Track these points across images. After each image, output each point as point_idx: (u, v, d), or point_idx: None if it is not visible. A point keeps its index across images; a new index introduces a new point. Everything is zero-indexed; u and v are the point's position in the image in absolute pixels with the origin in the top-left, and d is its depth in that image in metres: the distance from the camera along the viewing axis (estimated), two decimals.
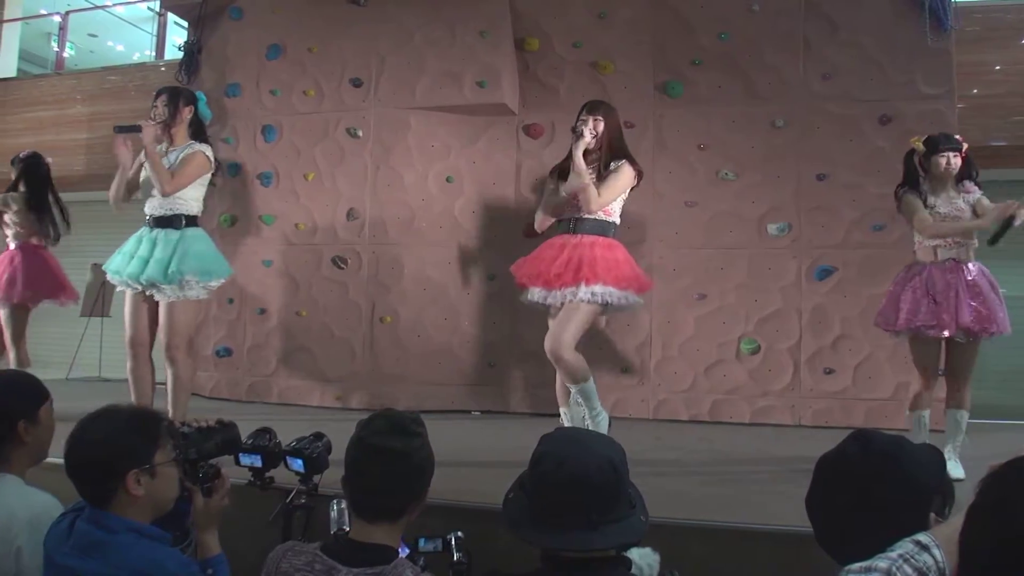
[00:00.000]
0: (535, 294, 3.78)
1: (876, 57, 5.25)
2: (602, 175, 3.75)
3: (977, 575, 0.85)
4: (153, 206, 4.07)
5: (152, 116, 4.05)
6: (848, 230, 5.21)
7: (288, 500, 2.45)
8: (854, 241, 5.19)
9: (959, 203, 3.81)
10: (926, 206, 3.79)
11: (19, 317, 5.08)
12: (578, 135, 3.74)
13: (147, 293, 4.00)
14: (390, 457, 1.76)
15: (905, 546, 1.13)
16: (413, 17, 5.79)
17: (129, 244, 4.10)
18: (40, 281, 5.11)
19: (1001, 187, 6.25)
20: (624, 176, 3.76)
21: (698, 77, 5.50)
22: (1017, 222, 3.52)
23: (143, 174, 4.10)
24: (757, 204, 5.39)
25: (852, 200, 5.15)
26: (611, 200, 3.75)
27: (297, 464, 2.43)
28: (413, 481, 1.81)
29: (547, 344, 3.66)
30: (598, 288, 3.59)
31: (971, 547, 0.88)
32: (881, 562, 1.11)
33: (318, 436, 2.51)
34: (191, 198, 4.09)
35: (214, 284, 4.15)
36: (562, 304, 3.68)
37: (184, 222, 4.06)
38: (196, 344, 6.12)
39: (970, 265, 3.80)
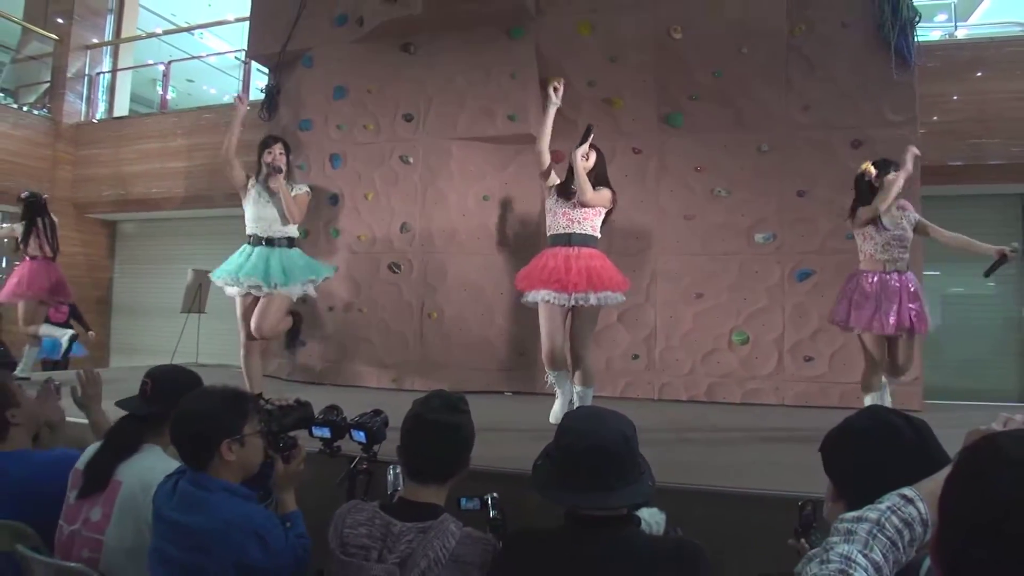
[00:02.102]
0: (545, 295, 3.75)
1: (848, 91, 5.18)
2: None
3: (956, 541, 0.82)
4: (262, 229, 4.11)
5: (272, 157, 4.10)
6: (824, 239, 5.15)
7: (352, 466, 2.46)
8: (830, 248, 5.12)
9: (901, 222, 3.86)
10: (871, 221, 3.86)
11: (31, 308, 5.60)
12: (586, 138, 3.85)
13: (260, 293, 4.02)
14: (443, 430, 1.78)
15: (892, 499, 1.10)
16: (455, 62, 5.81)
17: (238, 258, 4.11)
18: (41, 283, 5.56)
19: (959, 201, 6.17)
20: (605, 194, 3.84)
21: (696, 109, 5.46)
22: (1008, 260, 3.61)
23: (250, 209, 4.15)
24: (746, 217, 5.34)
25: (828, 213, 5.08)
26: (597, 203, 3.80)
27: (360, 436, 2.45)
28: (460, 450, 1.82)
29: (578, 349, 3.74)
30: (604, 294, 3.70)
31: (950, 515, 0.85)
32: (871, 513, 1.09)
33: (377, 412, 2.53)
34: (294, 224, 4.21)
35: (319, 282, 4.27)
36: (573, 306, 3.74)
37: (288, 243, 4.17)
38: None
39: (909, 274, 3.84)
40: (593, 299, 3.68)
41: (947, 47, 6.24)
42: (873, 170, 3.85)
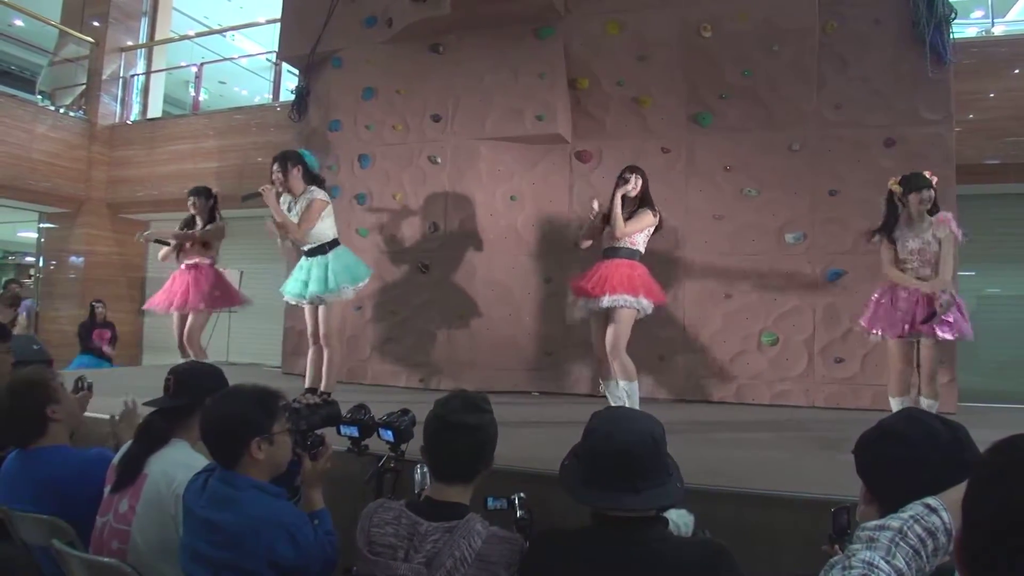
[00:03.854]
0: (579, 303, 4.15)
1: (882, 89, 5.09)
2: (632, 215, 4.10)
3: (978, 542, 0.82)
4: (304, 242, 4.29)
5: (272, 180, 4.25)
6: (856, 239, 5.04)
7: (380, 464, 2.48)
8: (861, 248, 5.01)
9: (928, 236, 3.82)
10: (893, 239, 3.91)
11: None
12: (624, 181, 4.13)
13: (314, 303, 4.24)
14: (464, 430, 1.77)
15: (916, 508, 1.08)
16: (483, 62, 5.81)
17: (296, 272, 4.35)
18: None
19: (995, 200, 6.03)
20: (645, 218, 4.09)
21: (725, 108, 5.41)
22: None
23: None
24: (776, 216, 5.27)
25: (860, 213, 4.99)
26: (633, 231, 4.08)
27: (387, 435, 2.46)
28: (482, 450, 1.82)
29: (607, 347, 3.95)
30: (616, 297, 3.90)
31: (972, 516, 0.84)
32: (894, 521, 1.07)
33: (405, 411, 2.54)
34: (325, 228, 4.30)
35: (362, 285, 4.37)
36: (599, 310, 4.02)
37: (328, 247, 4.30)
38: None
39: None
40: (606, 301, 3.89)
41: (984, 44, 6.10)
42: (898, 188, 3.89)
